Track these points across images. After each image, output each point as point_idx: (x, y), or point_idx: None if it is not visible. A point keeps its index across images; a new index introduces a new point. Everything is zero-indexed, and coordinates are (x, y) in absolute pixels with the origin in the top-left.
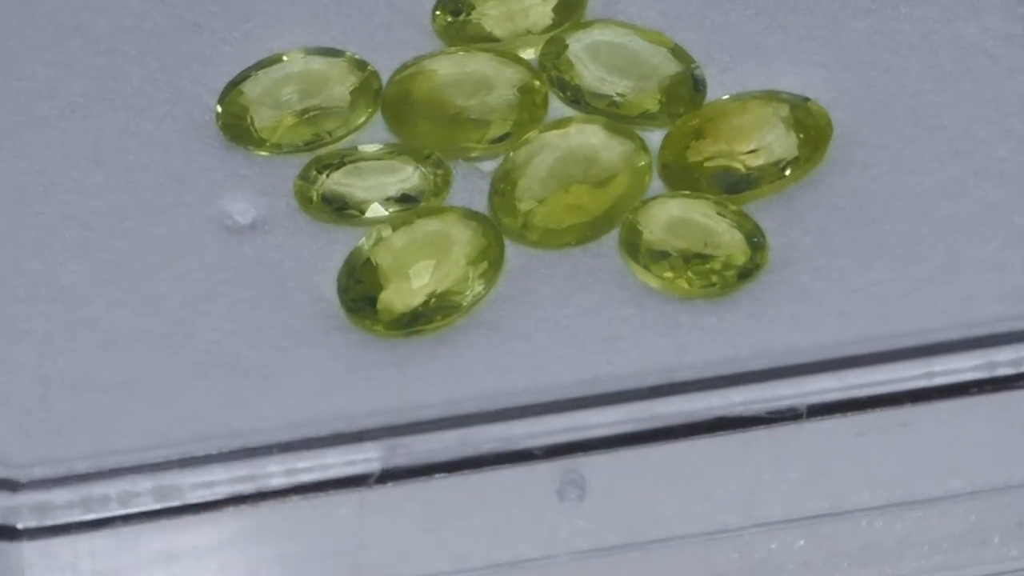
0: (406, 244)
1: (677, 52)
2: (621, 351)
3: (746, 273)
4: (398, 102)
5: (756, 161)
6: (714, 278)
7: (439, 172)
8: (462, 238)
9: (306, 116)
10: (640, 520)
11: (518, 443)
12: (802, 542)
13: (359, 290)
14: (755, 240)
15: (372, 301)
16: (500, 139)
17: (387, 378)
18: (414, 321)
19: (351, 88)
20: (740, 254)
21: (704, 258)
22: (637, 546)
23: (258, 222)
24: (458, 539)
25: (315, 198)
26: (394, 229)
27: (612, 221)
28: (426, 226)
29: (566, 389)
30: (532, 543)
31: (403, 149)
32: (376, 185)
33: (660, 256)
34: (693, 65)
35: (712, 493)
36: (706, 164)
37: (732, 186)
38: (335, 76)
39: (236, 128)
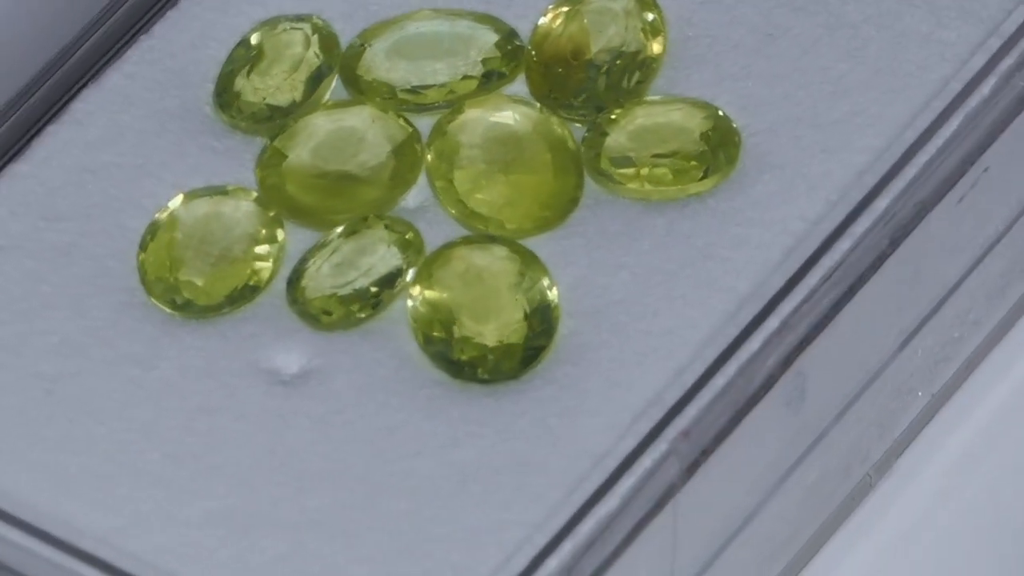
0: (448, 299)
1: (461, 15)
2: (728, 261)
3: (728, 144)
4: (286, 202)
5: (621, 52)
6: (701, 165)
7: (404, 230)
8: (492, 265)
9: (224, 264)
10: (839, 391)
11: (754, 373)
12: (929, 341)
13: (452, 365)
14: (706, 113)
15: (466, 363)
16: (397, 173)
17: (580, 401)
18: (515, 355)
19: (250, 217)
20: (705, 129)
21: (676, 153)
22: (840, 415)
23: (306, 363)
24: (736, 491)
25: (325, 316)
26: (423, 295)
27: (574, 169)
28: (450, 272)
29: (731, 319)
30: (784, 458)
31: (351, 227)
32: (365, 271)
33: (631, 170)
34: (487, 17)
35: (879, 329)
36: (590, 85)
37: (624, 85)
38: (220, 212)
39: (182, 306)
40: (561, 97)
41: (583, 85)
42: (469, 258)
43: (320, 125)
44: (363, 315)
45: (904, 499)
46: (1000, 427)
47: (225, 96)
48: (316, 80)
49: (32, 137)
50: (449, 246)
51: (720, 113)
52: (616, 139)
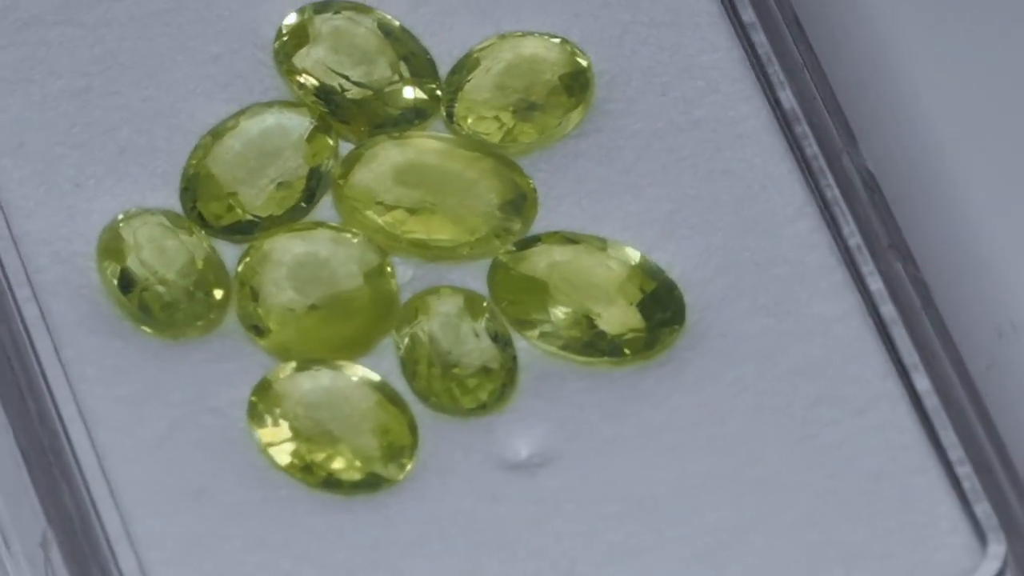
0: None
1: (246, 116)
2: (720, 130)
3: (578, 60)
4: (324, 346)
5: (373, 56)
6: (572, 90)
7: (449, 293)
8: (554, 260)
9: (361, 444)
10: None
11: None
12: None
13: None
14: (534, 41)
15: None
16: (375, 270)
17: (792, 307)
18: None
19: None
20: (548, 56)
21: (537, 86)
22: None
23: (529, 439)
24: None
25: (488, 393)
26: (542, 331)
27: (492, 156)
28: (537, 290)
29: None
30: None
31: (412, 326)
32: (473, 338)
33: (501, 127)
34: (275, 103)
35: None
36: (391, 101)
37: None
38: (319, 388)
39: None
40: (369, 133)
41: (386, 107)
42: (535, 264)
43: (274, 272)
44: (511, 374)
45: None
46: None
47: (146, 316)
48: (210, 265)
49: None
50: (500, 275)
51: (552, 39)
52: (473, 113)
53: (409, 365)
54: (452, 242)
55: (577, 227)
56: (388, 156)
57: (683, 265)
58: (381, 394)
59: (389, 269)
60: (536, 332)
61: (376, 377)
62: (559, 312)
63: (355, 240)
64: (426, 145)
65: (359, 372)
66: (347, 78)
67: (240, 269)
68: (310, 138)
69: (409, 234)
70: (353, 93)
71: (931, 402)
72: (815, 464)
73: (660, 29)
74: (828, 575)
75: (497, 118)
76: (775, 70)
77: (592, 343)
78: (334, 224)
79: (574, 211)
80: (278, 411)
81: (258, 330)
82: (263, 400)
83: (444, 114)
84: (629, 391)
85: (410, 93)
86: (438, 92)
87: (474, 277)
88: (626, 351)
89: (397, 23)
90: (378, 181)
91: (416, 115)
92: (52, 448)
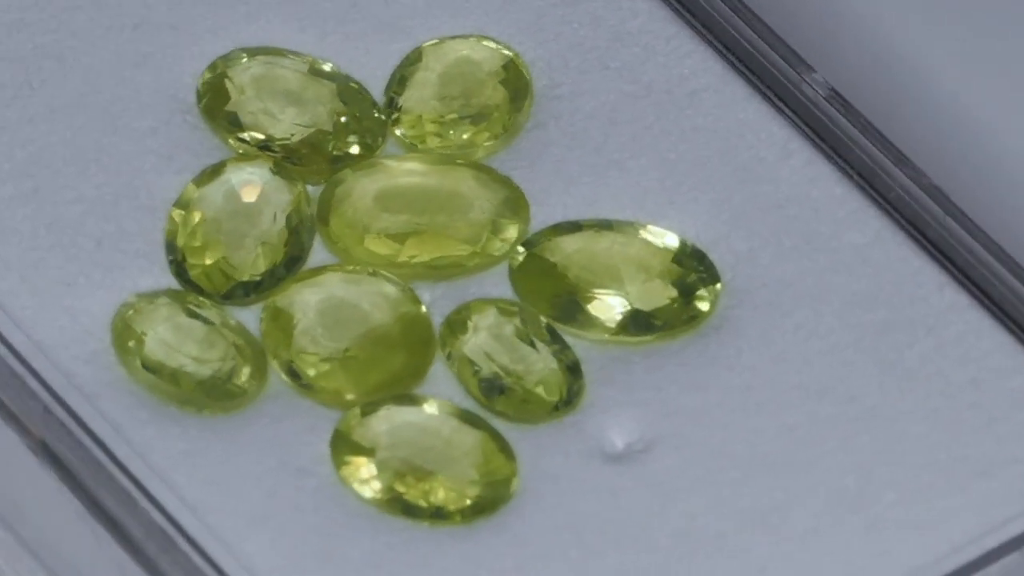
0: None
1: (224, 166)
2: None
3: (519, 68)
4: (374, 384)
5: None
6: (513, 97)
7: (488, 305)
8: (571, 249)
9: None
10: None
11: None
12: None
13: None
14: (470, 47)
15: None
16: (400, 300)
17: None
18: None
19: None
20: (488, 64)
21: (475, 96)
22: None
23: (625, 432)
24: None
25: (555, 400)
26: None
27: (477, 171)
28: (569, 283)
29: None
30: None
31: (461, 342)
32: (529, 345)
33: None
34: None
35: None
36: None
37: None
38: (405, 423)
39: None
40: (327, 170)
41: (334, 141)
42: (550, 260)
43: (300, 326)
44: (576, 368)
45: None
46: None
47: (185, 397)
48: (232, 330)
49: None
50: (522, 277)
51: (468, 39)
52: (422, 128)
53: (471, 386)
54: (456, 257)
55: (573, 215)
56: (363, 188)
57: (694, 228)
58: (458, 418)
59: (412, 294)
60: (575, 325)
61: (446, 403)
62: (590, 301)
63: (368, 274)
64: (396, 169)
65: (428, 402)
66: (284, 122)
67: (264, 329)
68: (275, 187)
69: (413, 259)
70: (297, 135)
71: (1004, 295)
72: (908, 390)
73: (575, 7)
74: (967, 491)
75: (447, 128)
76: (708, 16)
77: (633, 322)
78: (338, 265)
79: (564, 200)
80: (364, 460)
81: (304, 386)
82: (344, 452)
83: (395, 135)
84: (696, 360)
85: (352, 122)
86: (380, 116)
87: (493, 285)
88: (668, 322)
89: (311, 57)
90: (361, 215)
91: (367, 142)
92: (166, 542)
